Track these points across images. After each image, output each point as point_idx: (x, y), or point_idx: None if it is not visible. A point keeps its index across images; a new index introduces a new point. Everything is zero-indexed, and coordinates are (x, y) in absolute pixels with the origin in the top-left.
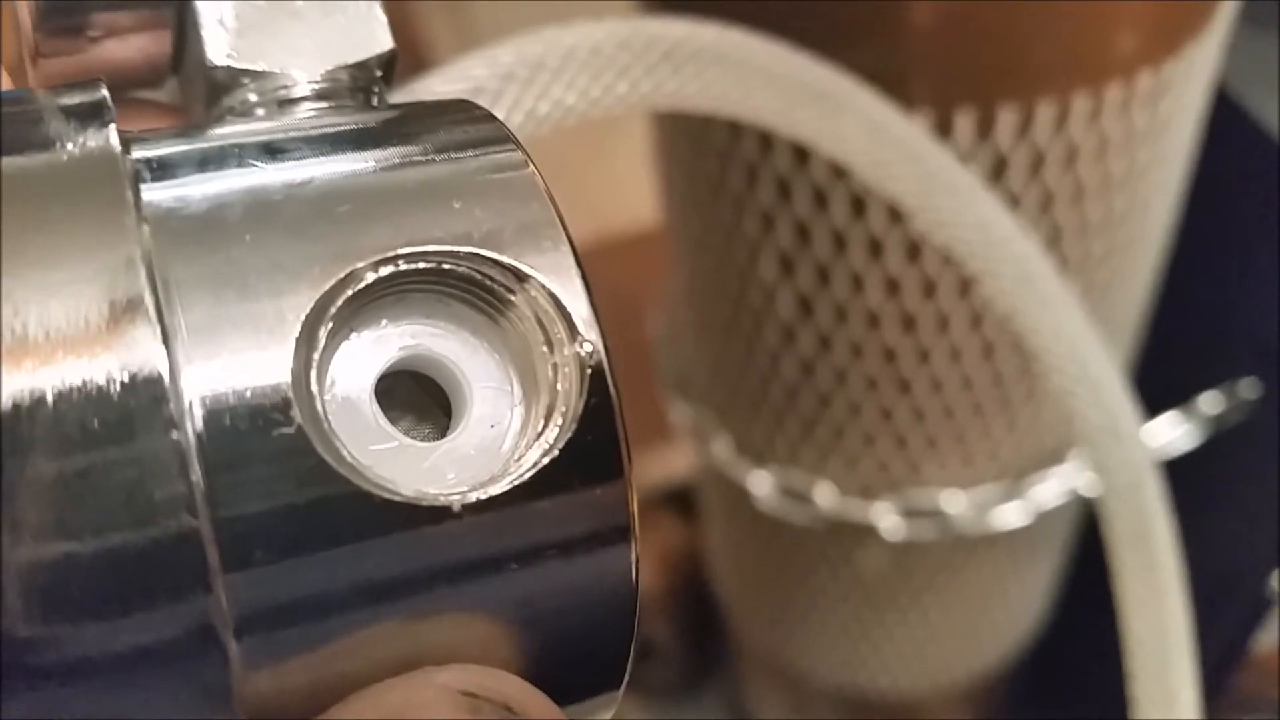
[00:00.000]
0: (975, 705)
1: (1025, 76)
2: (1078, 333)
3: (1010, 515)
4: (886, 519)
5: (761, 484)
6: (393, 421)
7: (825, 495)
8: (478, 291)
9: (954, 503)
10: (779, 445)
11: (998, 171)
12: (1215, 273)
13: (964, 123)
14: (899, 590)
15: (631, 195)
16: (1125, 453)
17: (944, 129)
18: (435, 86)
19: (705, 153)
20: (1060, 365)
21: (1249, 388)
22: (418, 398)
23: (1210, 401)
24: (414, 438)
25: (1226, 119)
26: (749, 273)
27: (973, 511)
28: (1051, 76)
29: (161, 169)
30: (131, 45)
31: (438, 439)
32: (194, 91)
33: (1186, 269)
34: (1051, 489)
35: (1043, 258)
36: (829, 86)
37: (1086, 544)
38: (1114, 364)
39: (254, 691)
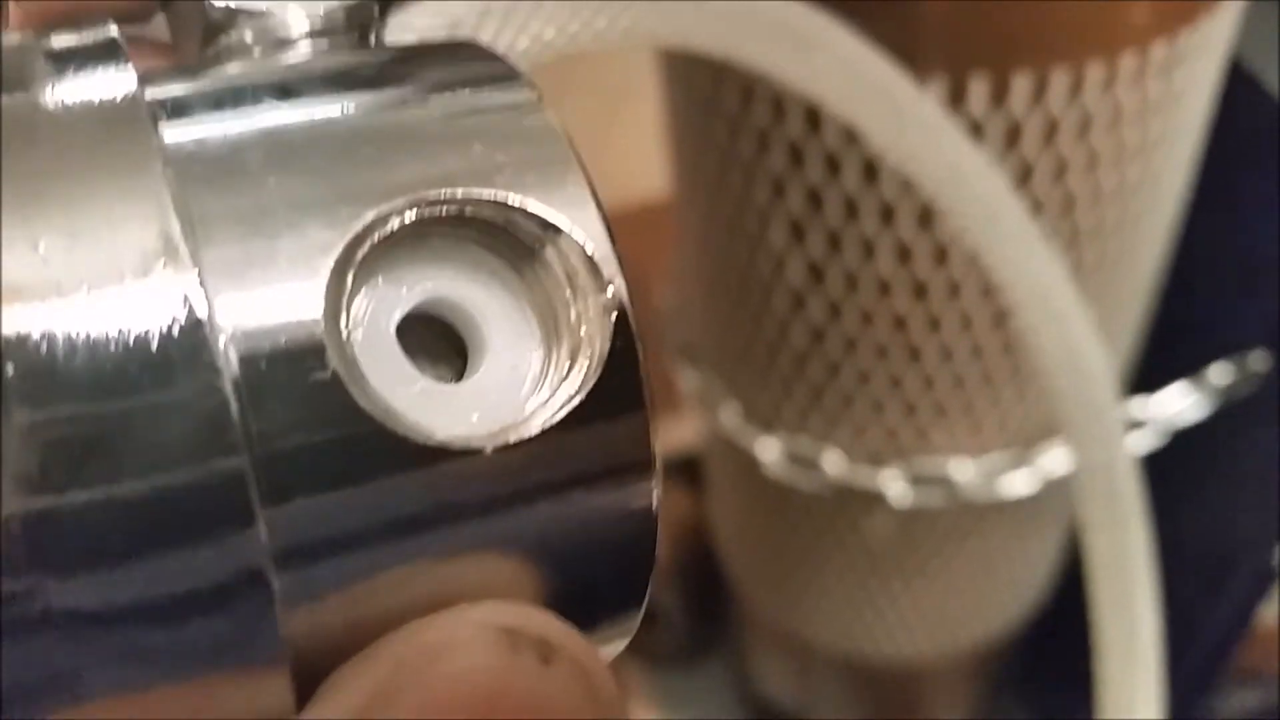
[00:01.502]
0: (979, 672)
1: (1039, 44)
2: (1042, 268)
3: (1018, 483)
4: (894, 486)
5: (769, 451)
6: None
7: (833, 462)
8: (500, 237)
9: (962, 470)
10: (787, 412)
11: (1012, 139)
12: (1227, 244)
13: (978, 89)
14: (905, 557)
15: (639, 168)
16: (1088, 387)
17: (958, 95)
18: (413, 21)
19: (716, 119)
20: (1024, 300)
21: (1259, 360)
22: (430, 340)
23: (1219, 373)
24: (430, 379)
25: (1240, 91)
26: (759, 240)
27: (980, 479)
28: (1066, 44)
29: (176, 110)
30: None
31: (453, 380)
32: (185, 29)
33: (1198, 240)
34: (1059, 458)
35: (1012, 196)
36: (801, 24)
37: None
38: (1078, 298)
39: (295, 629)
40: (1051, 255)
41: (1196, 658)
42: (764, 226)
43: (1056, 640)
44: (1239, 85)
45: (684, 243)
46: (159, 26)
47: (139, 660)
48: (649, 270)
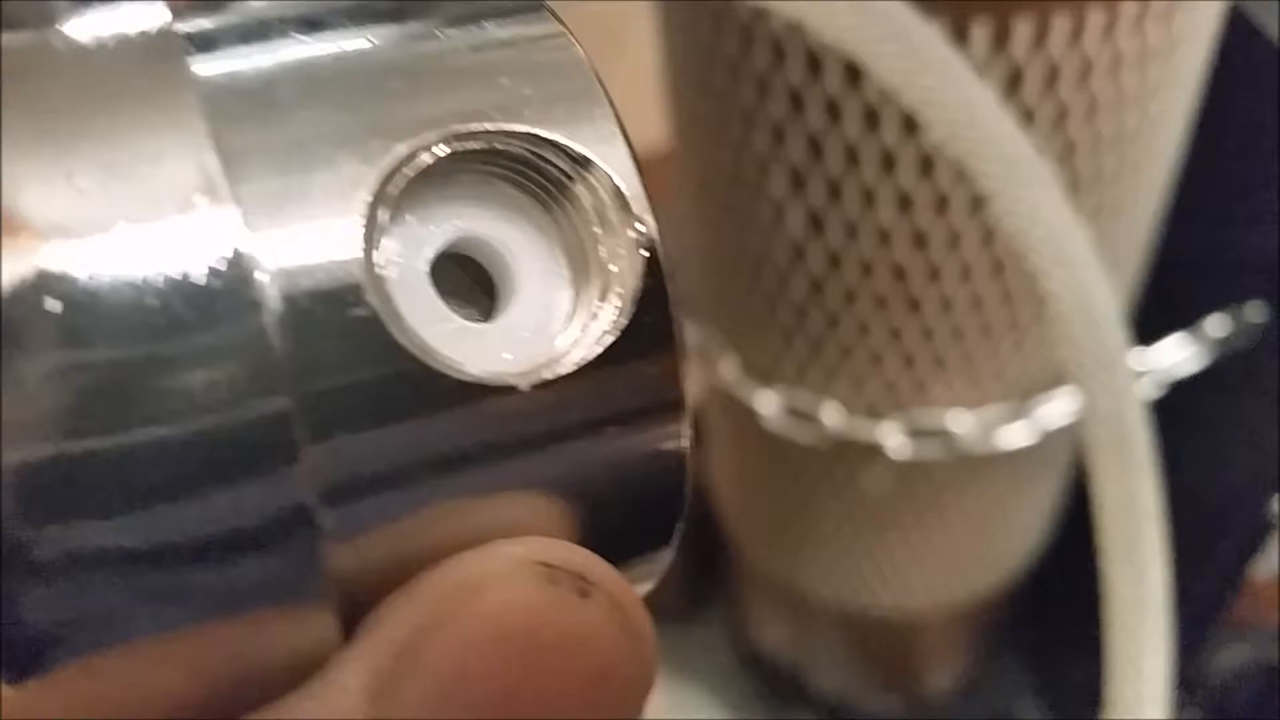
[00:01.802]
0: (975, 626)
1: None
2: (1055, 213)
3: (1015, 435)
4: (893, 438)
5: (768, 404)
6: None
7: (832, 415)
8: (529, 173)
9: (960, 422)
10: (786, 365)
11: (1013, 84)
12: (1225, 196)
13: (980, 33)
14: (902, 510)
15: (632, 119)
16: (1099, 333)
17: (960, 39)
18: None
19: (716, 65)
20: (1037, 246)
21: (1255, 311)
22: (460, 280)
23: (1216, 324)
24: (462, 319)
25: (1239, 40)
26: (759, 189)
27: (978, 431)
28: None
29: (206, 44)
30: None
31: (484, 320)
32: None
33: (1196, 191)
34: (1057, 409)
35: (1025, 139)
36: None
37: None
38: (1090, 245)
39: (340, 565)
40: (1064, 200)
41: (1190, 610)
42: (764, 175)
43: (1052, 595)
44: (1238, 31)
45: (683, 193)
46: None
47: (189, 598)
48: None
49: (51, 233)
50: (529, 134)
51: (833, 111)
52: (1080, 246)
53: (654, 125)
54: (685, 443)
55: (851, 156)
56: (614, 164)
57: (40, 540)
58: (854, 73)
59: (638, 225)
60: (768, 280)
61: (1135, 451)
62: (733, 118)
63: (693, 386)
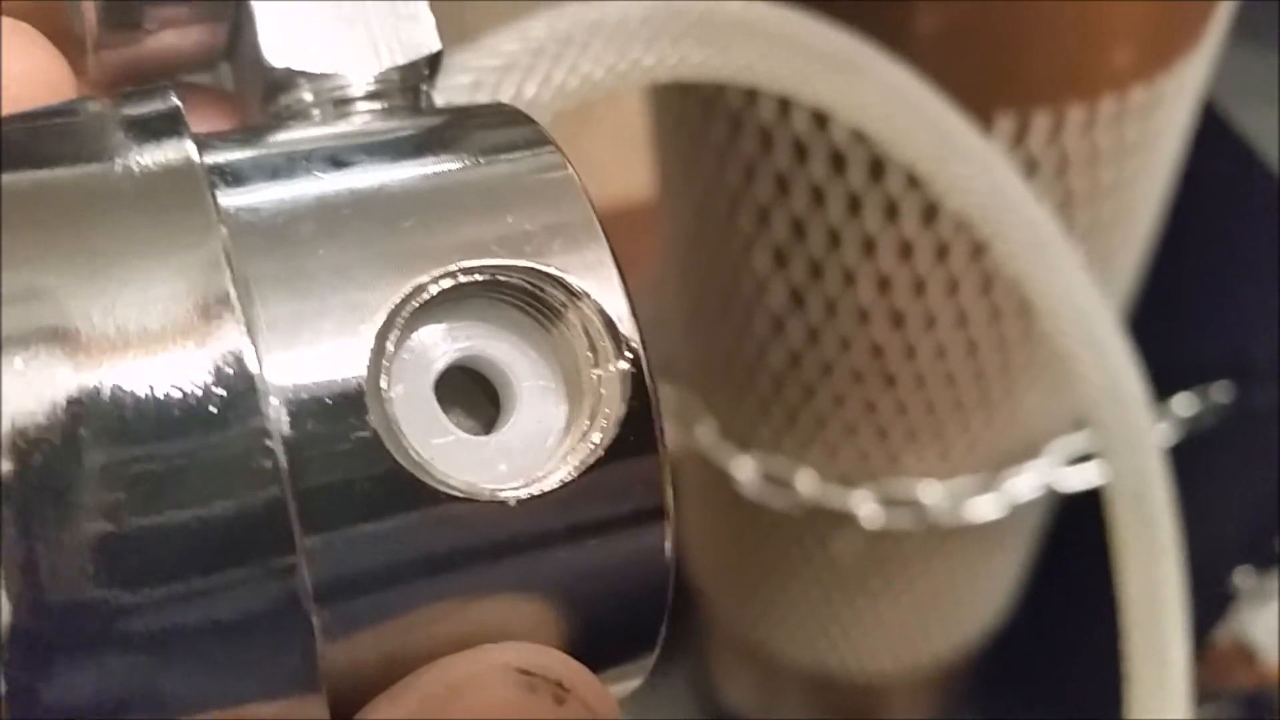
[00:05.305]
0: (939, 689)
1: (1023, 86)
2: (1085, 297)
3: (984, 507)
4: (865, 507)
5: (744, 469)
6: (445, 411)
7: (806, 482)
8: (529, 300)
9: (931, 493)
10: (763, 432)
11: None
12: (1194, 278)
13: None
14: (871, 576)
15: (613, 175)
16: (1126, 414)
17: None
18: (470, 62)
19: (703, 148)
20: (1067, 329)
21: (1222, 391)
22: (468, 390)
23: (1184, 403)
24: (464, 428)
25: (1209, 131)
26: (743, 264)
27: (948, 502)
28: (1048, 87)
29: (235, 178)
30: (187, 36)
31: (486, 429)
32: (249, 84)
33: (1166, 274)
34: (1025, 483)
35: (1053, 223)
36: (850, 55)
37: (1054, 538)
38: (1119, 328)
39: (333, 663)
40: (1092, 283)
41: None
42: (748, 251)
43: (1013, 659)
44: (1210, 126)
45: (667, 261)
46: (224, 73)
47: (192, 682)
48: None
49: (89, 358)
50: (528, 268)
51: (817, 196)
52: (1109, 329)
53: (640, 176)
54: (668, 551)
55: (834, 239)
56: (605, 293)
57: (63, 622)
58: (838, 160)
59: (626, 351)
60: (748, 350)
61: (1159, 532)
62: (719, 199)
63: (669, 447)
